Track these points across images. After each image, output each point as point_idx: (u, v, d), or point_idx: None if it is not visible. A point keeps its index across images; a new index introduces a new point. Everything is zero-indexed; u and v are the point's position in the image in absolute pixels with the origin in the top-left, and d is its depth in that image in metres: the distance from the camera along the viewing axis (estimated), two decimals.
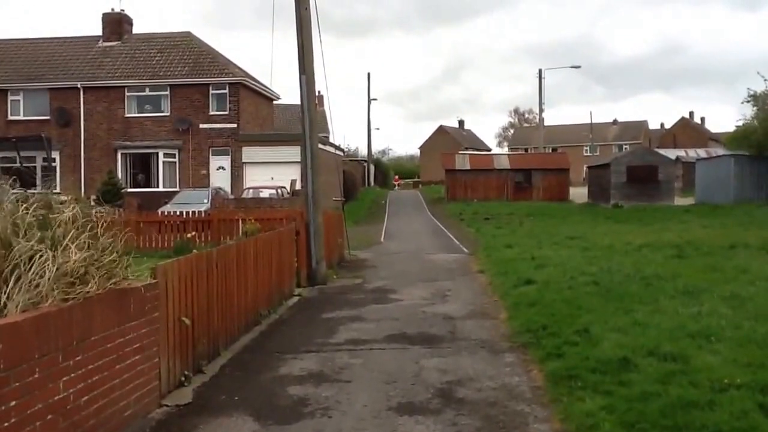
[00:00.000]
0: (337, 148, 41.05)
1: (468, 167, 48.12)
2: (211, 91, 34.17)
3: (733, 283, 10.49)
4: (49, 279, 4.55)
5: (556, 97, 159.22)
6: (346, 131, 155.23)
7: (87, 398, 4.76)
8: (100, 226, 5.28)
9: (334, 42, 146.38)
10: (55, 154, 33.84)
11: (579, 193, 46.56)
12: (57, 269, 4.61)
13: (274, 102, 41.65)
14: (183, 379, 6.58)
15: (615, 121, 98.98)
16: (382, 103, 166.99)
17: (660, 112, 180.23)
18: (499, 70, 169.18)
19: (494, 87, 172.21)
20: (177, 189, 31.93)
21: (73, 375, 4.59)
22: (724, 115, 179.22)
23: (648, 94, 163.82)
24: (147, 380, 5.75)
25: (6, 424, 3.88)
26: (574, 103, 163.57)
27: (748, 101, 35.93)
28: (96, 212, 5.48)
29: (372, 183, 65.66)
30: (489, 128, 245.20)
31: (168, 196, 28.93)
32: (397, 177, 78.44)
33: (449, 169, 48.19)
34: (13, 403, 3.96)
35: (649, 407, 5.33)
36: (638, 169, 38.58)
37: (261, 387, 6.65)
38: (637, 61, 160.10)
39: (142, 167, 34.63)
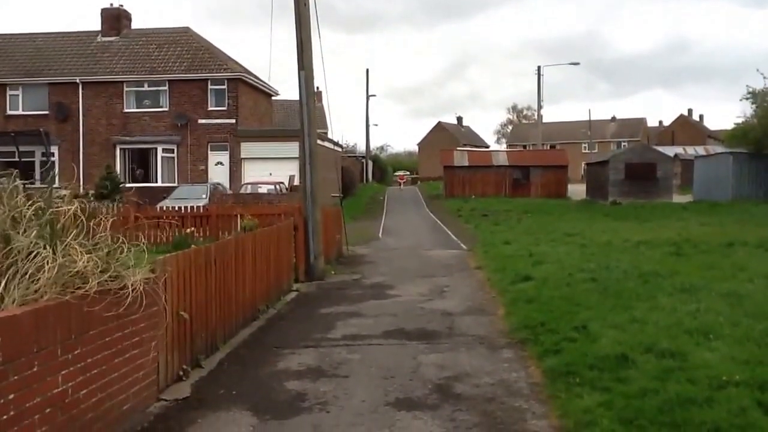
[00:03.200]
0: (336, 144, 41.01)
1: (466, 164, 48.11)
2: (210, 87, 34.10)
3: (730, 280, 10.50)
4: (48, 278, 4.52)
5: (561, 93, 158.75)
6: (344, 127, 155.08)
7: (85, 392, 4.75)
8: (101, 222, 5.25)
9: (338, 37, 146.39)
10: (54, 149, 33.65)
11: (577, 190, 46.59)
12: (57, 270, 4.58)
13: (273, 98, 41.60)
14: (181, 373, 6.59)
15: (613, 119, 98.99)
16: (383, 99, 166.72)
17: (663, 109, 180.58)
18: (503, 66, 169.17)
19: (499, 83, 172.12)
20: (175, 184, 31.86)
21: (71, 369, 4.58)
22: (728, 113, 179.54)
23: (651, 90, 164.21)
24: (145, 374, 5.75)
25: (5, 417, 3.88)
26: (579, 100, 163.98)
27: (747, 98, 35.87)
28: (96, 207, 5.47)
29: (370, 179, 65.62)
30: (488, 125, 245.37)
31: (166, 192, 28.89)
32: (401, 174, 72.97)
33: (448, 166, 48.16)
34: (12, 396, 3.95)
35: (647, 404, 5.34)
36: (636, 167, 38.60)
37: (259, 382, 6.65)
38: (642, 58, 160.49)
39: (141, 162, 34.59)
